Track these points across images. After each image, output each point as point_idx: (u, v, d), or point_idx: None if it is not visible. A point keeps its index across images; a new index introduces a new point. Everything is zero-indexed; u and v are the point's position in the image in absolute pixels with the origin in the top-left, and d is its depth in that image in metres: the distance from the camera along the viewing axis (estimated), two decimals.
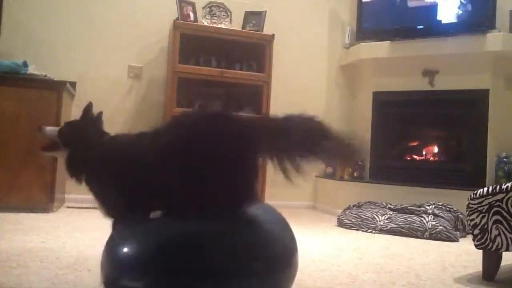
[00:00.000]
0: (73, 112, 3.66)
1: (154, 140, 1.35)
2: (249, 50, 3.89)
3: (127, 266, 1.19)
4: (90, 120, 1.50)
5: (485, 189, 1.91)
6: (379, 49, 4.02)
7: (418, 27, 3.92)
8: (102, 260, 1.24)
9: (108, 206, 1.40)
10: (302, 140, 1.37)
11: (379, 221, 3.18)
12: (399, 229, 3.07)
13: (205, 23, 3.83)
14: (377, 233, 3.11)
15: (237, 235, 1.23)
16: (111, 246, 1.25)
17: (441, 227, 2.99)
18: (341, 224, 3.31)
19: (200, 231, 1.21)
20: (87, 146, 1.43)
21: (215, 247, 1.19)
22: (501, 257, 1.95)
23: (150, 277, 1.16)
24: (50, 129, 1.49)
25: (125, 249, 1.20)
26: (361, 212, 3.31)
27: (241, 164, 1.30)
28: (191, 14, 3.79)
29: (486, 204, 1.88)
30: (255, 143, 1.34)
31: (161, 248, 1.18)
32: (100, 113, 1.53)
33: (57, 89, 3.21)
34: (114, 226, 1.39)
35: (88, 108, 1.51)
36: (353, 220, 3.27)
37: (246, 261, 1.20)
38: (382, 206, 3.41)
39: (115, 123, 3.84)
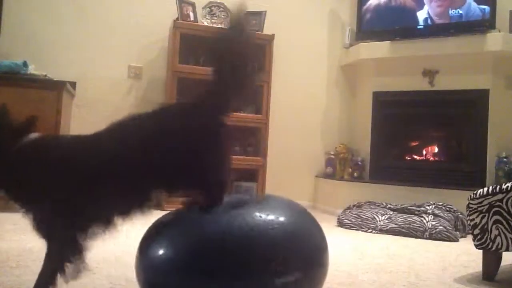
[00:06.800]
0: (73, 112, 3.67)
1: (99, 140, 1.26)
2: None
3: (163, 268, 1.21)
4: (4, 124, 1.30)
5: (485, 189, 1.91)
6: (379, 49, 4.02)
7: (418, 27, 3.92)
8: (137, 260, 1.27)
9: (41, 221, 1.22)
10: None
11: (379, 221, 3.18)
12: (399, 229, 3.07)
13: (205, 23, 3.83)
14: (377, 233, 3.11)
15: (270, 234, 1.23)
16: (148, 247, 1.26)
17: (441, 227, 2.99)
18: (341, 224, 3.31)
19: (232, 232, 1.20)
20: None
21: (250, 246, 1.19)
22: (501, 257, 1.94)
23: (184, 278, 1.17)
24: None
25: (161, 251, 1.22)
26: (361, 212, 3.31)
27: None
28: (191, 14, 3.80)
29: (486, 204, 1.88)
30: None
31: (196, 250, 1.19)
32: (32, 118, 1.35)
33: (57, 89, 3.20)
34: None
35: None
36: (353, 220, 3.27)
37: (279, 260, 1.20)
38: (382, 206, 3.41)
39: None
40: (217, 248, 1.18)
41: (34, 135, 1.29)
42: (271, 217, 1.26)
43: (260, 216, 1.25)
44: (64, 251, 1.23)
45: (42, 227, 1.22)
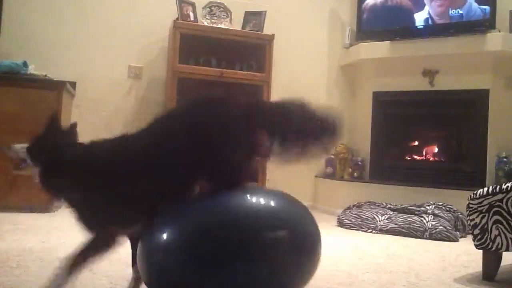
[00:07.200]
0: (73, 112, 3.67)
1: (139, 139, 1.34)
2: (249, 50, 3.89)
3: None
4: (58, 130, 1.40)
5: (485, 189, 1.91)
6: (379, 49, 4.02)
7: (418, 27, 3.92)
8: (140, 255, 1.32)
9: (88, 219, 1.34)
10: (298, 126, 1.42)
11: (379, 221, 3.18)
12: (399, 229, 3.07)
13: (205, 23, 3.83)
14: (377, 233, 3.11)
15: (265, 222, 1.27)
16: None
17: (441, 227, 2.99)
18: (341, 224, 3.31)
19: (227, 218, 1.25)
20: (57, 159, 1.34)
21: (247, 233, 1.23)
22: (501, 257, 1.95)
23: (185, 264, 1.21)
24: (19, 147, 1.38)
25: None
26: (361, 212, 3.31)
27: (233, 145, 1.32)
28: (191, 14, 3.79)
29: (486, 204, 1.89)
30: (249, 123, 1.36)
31: (194, 236, 1.24)
32: (74, 124, 1.45)
33: (57, 89, 3.21)
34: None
35: (52, 118, 1.41)
36: (353, 220, 3.27)
37: (273, 247, 1.25)
38: (382, 206, 3.41)
39: (115, 123, 3.85)
40: (213, 235, 1.22)
41: (85, 141, 1.39)
42: (262, 204, 1.33)
43: (253, 204, 1.31)
44: (100, 243, 1.36)
45: (87, 220, 1.33)
